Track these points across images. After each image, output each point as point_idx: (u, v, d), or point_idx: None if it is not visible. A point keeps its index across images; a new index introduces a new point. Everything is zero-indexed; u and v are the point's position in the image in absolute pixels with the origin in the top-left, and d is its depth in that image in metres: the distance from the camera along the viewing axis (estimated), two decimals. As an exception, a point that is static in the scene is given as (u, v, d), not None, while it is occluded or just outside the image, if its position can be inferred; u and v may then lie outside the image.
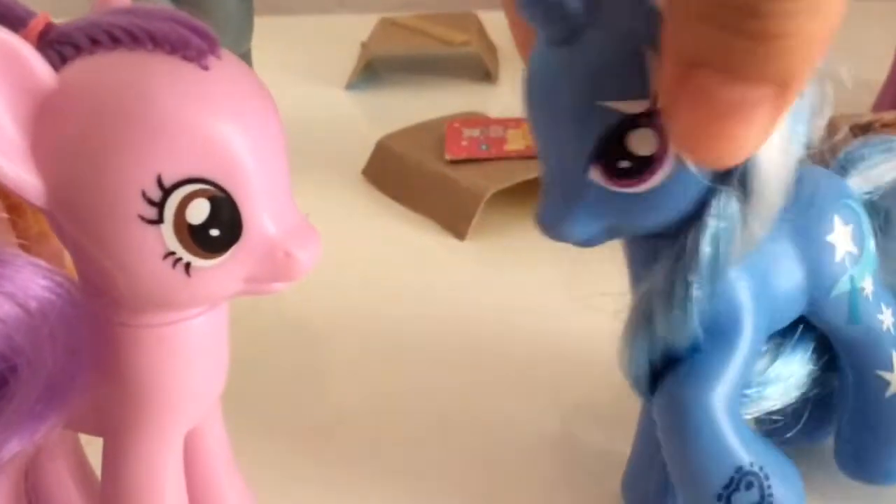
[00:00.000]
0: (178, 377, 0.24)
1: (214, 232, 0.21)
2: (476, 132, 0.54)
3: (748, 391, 0.28)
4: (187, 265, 0.21)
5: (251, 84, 0.22)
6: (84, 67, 0.21)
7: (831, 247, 0.28)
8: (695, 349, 0.27)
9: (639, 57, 0.22)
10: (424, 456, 0.36)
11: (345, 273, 0.48)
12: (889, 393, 0.30)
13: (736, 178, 0.24)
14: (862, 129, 0.47)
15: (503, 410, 0.38)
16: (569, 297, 0.45)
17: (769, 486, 0.27)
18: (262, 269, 0.23)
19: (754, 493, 0.27)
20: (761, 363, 0.28)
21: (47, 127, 0.21)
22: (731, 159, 0.21)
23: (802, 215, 0.27)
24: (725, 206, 0.24)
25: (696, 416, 0.26)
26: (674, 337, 0.26)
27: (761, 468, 0.27)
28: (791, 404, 0.29)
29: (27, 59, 0.20)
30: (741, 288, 0.27)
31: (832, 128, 0.52)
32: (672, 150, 0.23)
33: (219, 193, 0.21)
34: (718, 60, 0.19)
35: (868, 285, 0.29)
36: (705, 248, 0.25)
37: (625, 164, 0.23)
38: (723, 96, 0.19)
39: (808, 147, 0.26)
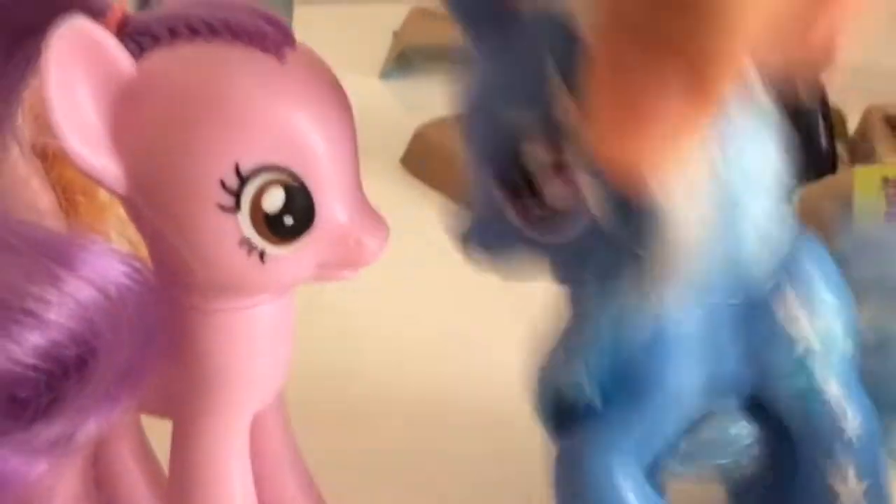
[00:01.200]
0: (246, 361, 0.25)
1: (288, 220, 0.22)
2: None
3: (685, 458, 0.27)
4: (262, 252, 0.22)
5: (325, 75, 0.23)
6: (163, 57, 0.22)
7: (789, 339, 0.26)
8: (595, 402, 0.26)
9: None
10: (439, 441, 0.36)
11: (387, 260, 0.48)
12: (831, 481, 0.27)
13: (628, 231, 0.22)
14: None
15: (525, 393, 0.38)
16: None
17: None
18: (333, 255, 0.23)
19: None
20: (706, 433, 0.27)
21: (128, 116, 0.21)
22: (645, 162, 0.19)
23: (763, 298, 0.26)
24: (635, 265, 0.23)
25: (588, 474, 0.26)
26: (574, 388, 0.26)
27: None
28: (746, 480, 0.28)
29: (108, 49, 0.21)
30: (660, 350, 0.25)
31: (866, 118, 0.52)
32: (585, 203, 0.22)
33: (293, 182, 0.22)
34: (662, 36, 0.17)
35: (832, 388, 0.26)
36: (610, 310, 0.24)
37: (538, 211, 0.23)
38: (648, 78, 0.17)
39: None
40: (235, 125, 0.21)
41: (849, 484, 0.27)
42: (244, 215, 0.21)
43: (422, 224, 0.52)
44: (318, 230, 0.23)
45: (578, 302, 0.25)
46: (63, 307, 0.21)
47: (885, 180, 0.35)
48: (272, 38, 0.22)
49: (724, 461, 0.27)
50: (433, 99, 0.66)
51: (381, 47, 0.73)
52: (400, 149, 0.57)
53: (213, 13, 0.22)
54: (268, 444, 0.28)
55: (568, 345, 0.26)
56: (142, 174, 0.22)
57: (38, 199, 0.41)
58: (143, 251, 0.27)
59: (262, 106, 0.21)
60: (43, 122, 0.40)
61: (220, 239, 0.22)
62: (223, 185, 0.21)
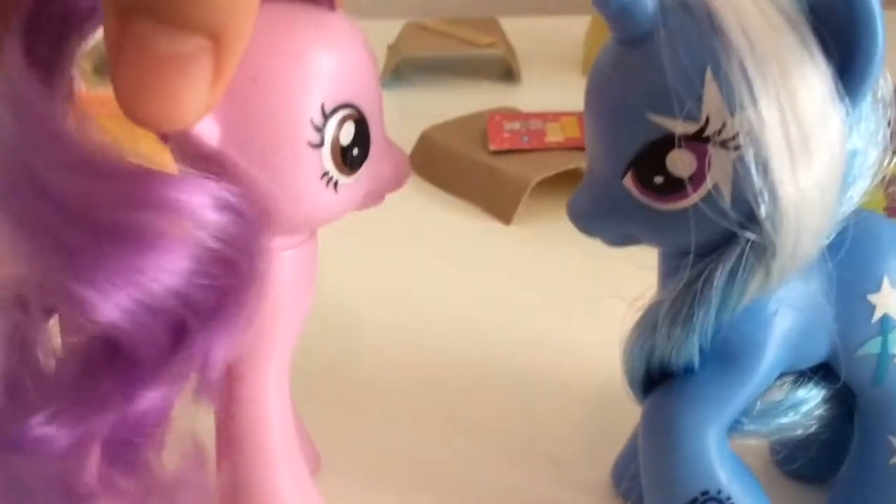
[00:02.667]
0: (294, 300, 0.28)
1: (356, 151, 0.25)
2: (517, 125, 0.57)
3: (754, 419, 0.28)
4: (336, 183, 0.25)
5: (355, 26, 0.26)
6: None
7: (870, 306, 0.27)
8: (690, 369, 0.27)
9: (698, 77, 0.23)
10: (441, 427, 0.37)
11: (397, 255, 0.50)
12: (894, 461, 0.29)
13: (764, 221, 0.24)
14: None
15: (523, 385, 0.40)
16: (599, 284, 0.47)
17: None
18: (376, 182, 0.27)
19: None
20: (777, 394, 0.28)
21: None
22: (176, 120, 0.19)
23: (848, 267, 0.27)
24: (750, 248, 0.24)
25: (681, 432, 0.27)
26: (671, 354, 0.27)
27: (728, 497, 0.27)
28: (799, 440, 0.30)
29: None
30: (766, 324, 0.27)
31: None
32: (709, 179, 0.24)
33: (360, 116, 0.25)
34: (149, 5, 0.18)
35: None
36: (718, 283, 0.25)
37: (659, 179, 0.24)
38: (158, 46, 0.18)
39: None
40: (318, 71, 0.24)
41: None
42: (326, 150, 0.24)
43: (428, 219, 0.54)
44: (372, 159, 0.26)
45: (686, 273, 0.26)
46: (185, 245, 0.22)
47: (883, 178, 0.37)
48: None
49: (790, 420, 0.29)
50: (429, 107, 0.69)
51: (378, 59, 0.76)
52: (405, 150, 0.59)
53: None
54: None
55: (675, 316, 0.26)
56: (235, 127, 0.24)
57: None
58: None
59: (331, 49, 0.24)
60: (82, 113, 0.42)
61: (308, 173, 0.25)
62: (312, 123, 0.24)
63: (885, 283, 0.28)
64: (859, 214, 0.27)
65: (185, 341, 0.22)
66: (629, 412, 0.30)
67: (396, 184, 0.27)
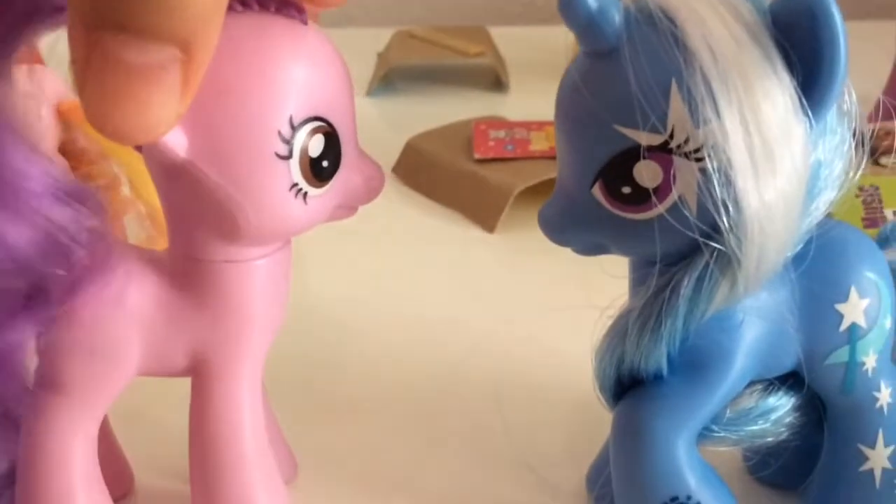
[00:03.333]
0: (270, 305, 0.28)
1: (325, 163, 0.25)
2: (501, 133, 0.58)
3: (724, 426, 0.28)
4: (305, 194, 0.25)
5: (328, 40, 0.26)
6: None
7: (838, 316, 0.28)
8: (659, 377, 0.27)
9: (664, 90, 0.23)
10: (419, 434, 0.38)
11: (382, 263, 0.51)
12: (863, 468, 0.30)
13: (728, 233, 0.24)
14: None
15: (499, 390, 0.40)
16: (579, 292, 0.47)
17: None
18: (348, 194, 0.27)
19: None
20: (747, 401, 0.29)
21: None
22: (146, 132, 0.19)
23: (815, 277, 0.27)
24: (716, 258, 0.25)
25: (651, 438, 0.27)
26: (640, 361, 0.27)
27: (698, 503, 0.27)
28: (770, 447, 0.30)
29: None
30: (735, 332, 0.27)
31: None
32: (674, 190, 0.24)
33: (330, 129, 0.25)
34: (118, 19, 0.18)
35: (871, 361, 0.28)
36: (685, 292, 0.25)
37: (626, 189, 0.25)
38: (128, 58, 0.18)
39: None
40: (287, 83, 0.24)
41: (877, 448, 0.29)
42: (294, 161, 0.25)
43: (412, 227, 0.55)
44: (343, 172, 0.26)
45: (654, 282, 0.26)
46: None
47: (860, 188, 0.36)
48: (295, 6, 0.25)
49: (760, 428, 0.29)
50: (417, 115, 0.69)
51: (366, 68, 0.76)
52: (391, 159, 0.60)
53: None
54: None
55: (644, 324, 0.26)
56: (204, 138, 0.24)
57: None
58: (161, 244, 0.30)
59: (302, 63, 0.25)
60: (69, 122, 0.43)
61: (275, 185, 0.25)
62: (280, 135, 0.24)
63: (853, 292, 0.28)
64: (827, 224, 0.27)
65: None
66: (605, 419, 0.30)
67: (368, 196, 0.28)
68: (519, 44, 0.81)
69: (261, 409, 0.29)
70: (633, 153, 0.24)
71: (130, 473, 0.34)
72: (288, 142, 0.24)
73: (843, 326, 0.28)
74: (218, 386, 0.28)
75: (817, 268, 0.27)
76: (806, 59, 0.24)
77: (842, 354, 0.28)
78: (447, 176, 0.56)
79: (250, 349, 0.28)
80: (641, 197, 0.25)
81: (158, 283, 0.27)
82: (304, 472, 0.35)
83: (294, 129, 0.24)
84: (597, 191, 0.26)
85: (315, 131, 0.25)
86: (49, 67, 0.43)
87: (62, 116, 0.43)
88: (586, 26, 0.24)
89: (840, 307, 0.28)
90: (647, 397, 0.28)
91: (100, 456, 0.29)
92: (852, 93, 0.26)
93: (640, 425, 0.28)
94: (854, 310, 0.28)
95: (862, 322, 0.28)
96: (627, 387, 0.29)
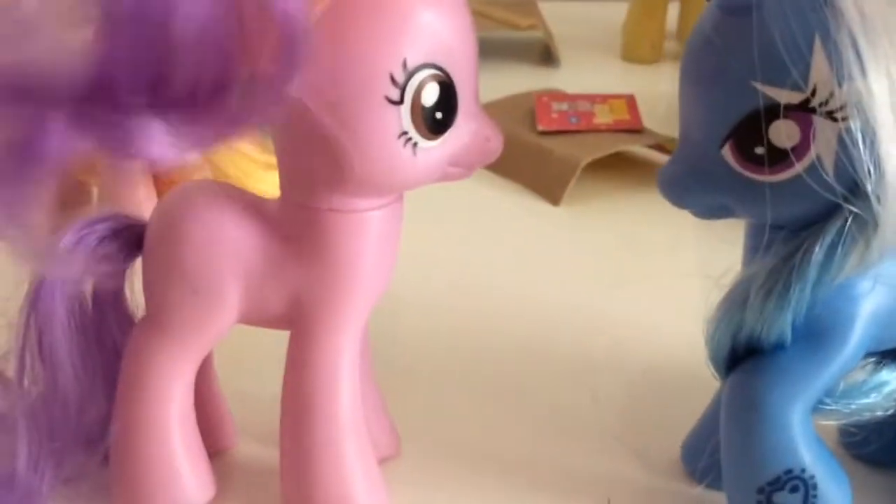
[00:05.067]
0: (376, 261, 0.27)
1: (439, 114, 0.24)
2: (564, 106, 0.57)
3: (836, 399, 0.28)
4: (415, 145, 0.24)
5: None
6: None
7: None
8: (779, 346, 0.27)
9: (807, 47, 0.23)
10: (503, 405, 0.37)
11: (446, 238, 0.50)
12: None
13: (869, 195, 0.23)
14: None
15: (579, 363, 0.39)
16: (648, 263, 0.47)
17: (814, 496, 0.27)
18: (465, 151, 0.26)
19: (797, 498, 0.27)
20: (860, 374, 0.28)
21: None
22: None
23: None
24: (851, 221, 0.24)
25: (767, 410, 0.26)
26: (762, 330, 0.26)
27: (812, 477, 0.27)
28: (876, 423, 0.29)
29: None
30: (856, 302, 0.26)
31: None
32: (812, 150, 0.23)
33: (446, 79, 0.24)
34: None
35: None
36: (817, 257, 0.25)
37: (760, 150, 0.24)
38: None
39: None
40: (404, 25, 0.23)
41: None
42: (406, 108, 0.24)
43: (475, 199, 0.54)
44: (458, 125, 0.25)
45: (782, 248, 0.26)
46: None
47: None
48: None
49: (873, 401, 0.28)
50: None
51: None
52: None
53: None
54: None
55: (769, 291, 0.26)
56: (313, 73, 0.23)
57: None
58: None
59: (423, 10, 0.24)
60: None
61: (384, 130, 0.24)
62: (392, 78, 0.23)
63: None
64: None
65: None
66: (696, 389, 0.30)
67: (485, 157, 0.26)
68: (568, 19, 0.80)
69: (357, 372, 0.28)
70: (770, 112, 0.24)
71: (232, 429, 0.33)
72: (400, 86, 0.23)
73: None
74: (315, 341, 0.27)
75: None
76: None
77: None
78: (510, 148, 0.54)
79: (352, 305, 0.27)
80: (777, 158, 0.24)
81: (263, 229, 0.27)
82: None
83: (408, 73, 0.23)
84: (727, 151, 0.25)
85: (431, 79, 0.24)
86: None
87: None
88: None
89: None
90: (763, 368, 0.27)
91: (203, 406, 0.30)
92: None
93: (755, 397, 0.27)
94: None
95: None
96: (741, 358, 0.28)
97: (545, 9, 0.80)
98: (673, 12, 0.75)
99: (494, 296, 0.44)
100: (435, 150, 0.25)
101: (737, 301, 0.27)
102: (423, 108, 0.24)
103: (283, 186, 0.27)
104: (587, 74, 0.72)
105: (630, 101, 0.57)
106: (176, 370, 0.28)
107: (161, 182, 0.44)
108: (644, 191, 0.50)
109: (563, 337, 0.41)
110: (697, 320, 0.28)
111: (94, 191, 0.47)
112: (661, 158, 0.55)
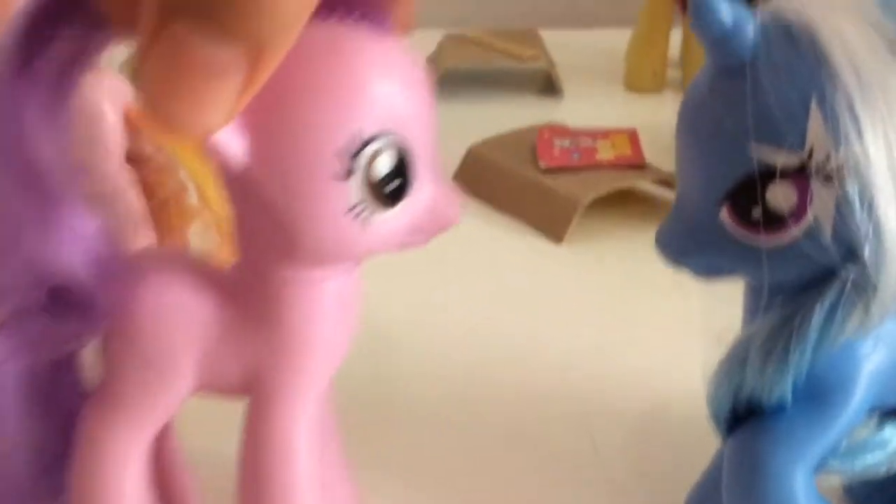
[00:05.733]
0: (331, 331, 0.26)
1: (393, 184, 0.23)
2: (566, 142, 0.56)
3: (840, 458, 0.27)
4: (368, 216, 0.23)
5: (410, 56, 0.24)
6: None
7: None
8: (781, 407, 0.26)
9: (803, 108, 0.23)
10: (501, 453, 0.37)
11: (446, 274, 0.50)
12: None
13: (866, 259, 0.23)
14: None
15: (581, 408, 0.39)
16: (653, 303, 0.47)
17: None
18: (422, 220, 0.25)
19: None
20: (863, 432, 0.28)
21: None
22: (197, 126, 0.19)
23: None
24: (850, 285, 0.24)
25: (770, 472, 0.26)
26: (762, 391, 0.26)
27: None
28: (880, 480, 0.29)
29: None
30: (858, 362, 0.26)
31: None
32: (810, 213, 0.23)
33: (400, 149, 0.23)
34: (198, 11, 0.17)
35: None
36: (817, 320, 0.24)
37: (757, 213, 0.24)
38: (196, 51, 0.18)
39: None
40: (354, 96, 0.22)
41: None
42: (357, 180, 0.23)
43: (477, 237, 0.54)
44: (414, 196, 0.24)
45: (781, 310, 0.25)
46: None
47: None
48: (380, 16, 0.23)
49: (877, 459, 0.28)
50: (473, 120, 0.69)
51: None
52: (450, 166, 0.59)
53: None
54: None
55: (769, 352, 0.26)
56: (262, 146, 0.22)
57: (133, 207, 0.42)
58: (224, 254, 0.28)
59: (375, 78, 0.23)
60: (136, 128, 0.42)
61: (335, 204, 0.23)
62: (342, 152, 0.22)
63: None
64: None
65: None
66: (696, 439, 0.30)
67: (444, 223, 0.25)
68: (570, 48, 0.80)
69: (315, 441, 0.28)
70: (767, 174, 0.23)
71: (193, 499, 0.32)
72: (352, 157, 0.23)
73: None
74: (272, 409, 0.27)
75: None
76: None
77: None
78: (512, 185, 0.55)
79: (308, 374, 0.27)
80: (774, 221, 0.24)
81: (218, 298, 0.26)
82: (372, 482, 0.34)
83: (360, 144, 0.23)
84: (724, 213, 0.24)
85: (384, 148, 0.23)
86: (115, 72, 0.43)
87: (129, 123, 0.42)
88: (720, 41, 0.23)
89: None
90: (765, 430, 0.27)
91: (163, 476, 0.29)
92: None
93: (758, 459, 0.26)
94: None
95: None
96: (742, 417, 0.27)
97: (547, 37, 0.79)
98: (675, 39, 0.75)
99: (494, 337, 0.44)
100: (390, 220, 0.24)
101: (737, 362, 0.26)
102: (377, 178, 0.23)
103: (238, 254, 0.26)
104: (590, 105, 0.72)
105: (632, 135, 0.56)
106: (132, 440, 0.27)
107: (162, 226, 0.44)
108: (647, 227, 0.49)
109: (565, 381, 0.41)
110: (701, 367, 0.28)
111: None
112: (664, 194, 0.54)
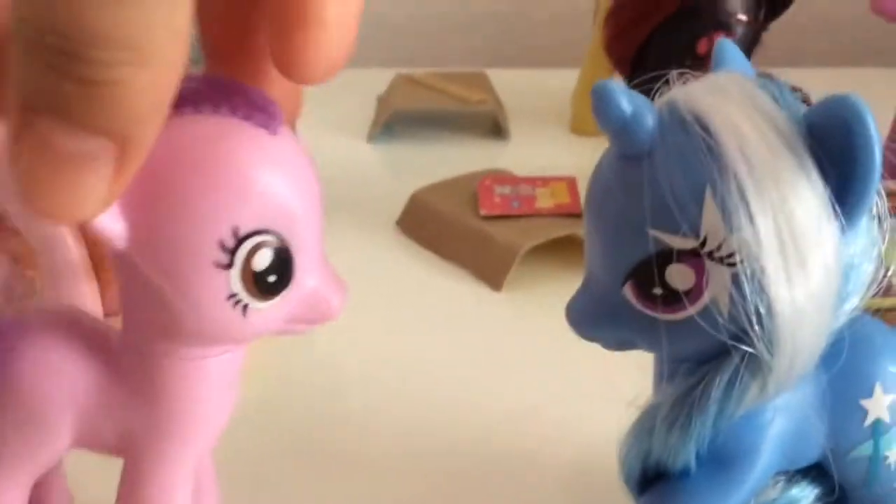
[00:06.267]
0: (207, 405, 0.27)
1: (272, 278, 0.24)
2: (507, 189, 0.57)
3: None
4: (245, 306, 0.24)
5: (303, 151, 0.25)
6: (171, 126, 0.22)
7: (862, 411, 0.28)
8: (685, 472, 0.27)
9: (697, 196, 0.24)
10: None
11: (384, 319, 0.50)
12: None
13: (761, 338, 0.24)
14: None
15: (522, 457, 0.40)
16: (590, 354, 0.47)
17: None
18: (302, 311, 0.26)
19: None
20: (771, 493, 0.29)
21: (135, 178, 0.22)
22: (74, 215, 0.19)
23: (841, 374, 0.28)
24: (747, 360, 0.25)
25: None
26: (668, 457, 0.27)
27: None
28: None
29: None
30: (761, 430, 0.27)
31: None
32: (706, 293, 0.24)
33: (280, 245, 0.24)
34: (55, 106, 0.18)
35: (894, 455, 0.29)
36: (716, 393, 0.25)
37: (658, 291, 0.25)
38: (60, 145, 0.18)
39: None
40: (236, 191, 0.23)
41: None
42: (235, 272, 0.23)
43: (417, 282, 0.54)
44: (295, 288, 0.25)
45: (683, 381, 0.26)
46: None
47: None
48: (265, 113, 0.24)
49: None
50: (419, 163, 0.69)
51: (366, 111, 0.76)
52: (394, 210, 0.60)
53: (214, 91, 0.24)
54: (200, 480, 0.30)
55: (672, 422, 0.26)
56: (143, 232, 0.23)
57: (71, 256, 0.42)
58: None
59: (258, 175, 0.23)
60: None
61: (212, 292, 0.24)
62: (221, 245, 0.23)
63: (878, 388, 0.28)
64: (854, 321, 0.27)
65: None
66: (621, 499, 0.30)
67: (325, 317, 0.26)
68: (518, 88, 0.81)
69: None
70: (665, 256, 0.24)
71: None
72: (230, 252, 0.23)
73: (868, 422, 0.28)
74: (145, 476, 0.28)
75: (844, 365, 0.27)
76: (839, 166, 0.24)
77: (866, 449, 0.29)
78: (453, 232, 0.56)
79: (182, 444, 0.28)
80: (673, 299, 0.25)
81: (100, 363, 0.27)
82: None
83: (238, 240, 0.23)
84: (627, 290, 0.26)
85: (263, 245, 0.24)
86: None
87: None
88: (620, 130, 0.24)
89: (865, 403, 0.28)
90: (673, 491, 0.28)
91: None
92: (884, 197, 0.26)
93: None
94: (878, 405, 0.28)
95: (886, 417, 0.28)
96: (652, 479, 0.28)
97: (496, 76, 0.81)
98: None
99: (427, 384, 0.45)
100: (269, 310, 0.25)
101: (644, 429, 0.27)
102: (254, 272, 0.24)
103: (122, 322, 0.27)
104: (536, 148, 0.73)
105: (570, 183, 0.58)
106: (9, 493, 0.28)
107: (104, 273, 0.44)
108: (584, 275, 0.51)
109: (495, 432, 0.41)
110: (616, 430, 0.29)
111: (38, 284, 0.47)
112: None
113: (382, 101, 0.77)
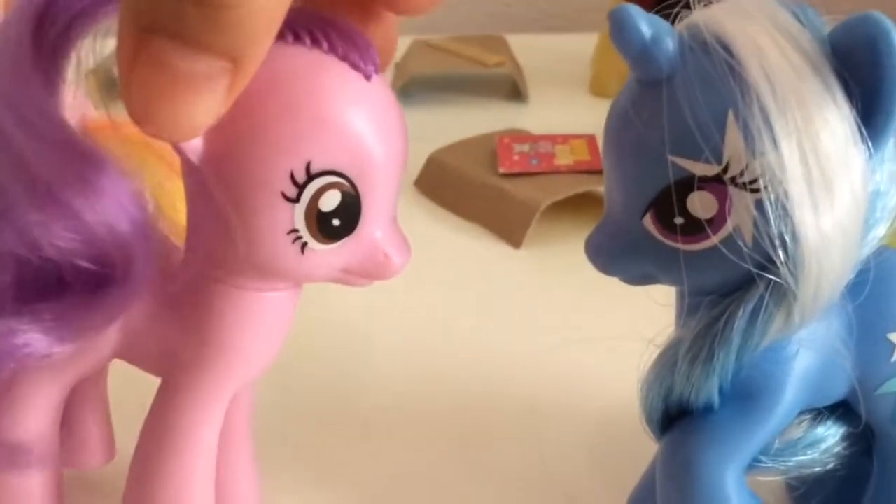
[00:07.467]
0: (251, 341, 0.27)
1: (336, 221, 0.24)
2: (526, 147, 0.57)
3: (772, 457, 0.28)
4: (304, 245, 0.24)
5: (395, 103, 0.25)
6: (270, 49, 0.22)
7: (890, 345, 0.27)
8: (709, 409, 0.27)
9: (720, 120, 0.23)
10: (451, 459, 0.37)
11: (404, 279, 0.50)
12: None
13: (786, 265, 0.24)
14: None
15: (533, 411, 0.40)
16: (611, 308, 0.47)
17: None
18: (361, 263, 0.25)
19: None
20: (796, 431, 0.28)
21: None
22: (187, 133, 0.20)
23: (867, 306, 0.27)
24: (771, 289, 0.24)
25: (700, 471, 0.27)
26: (690, 393, 0.27)
27: None
28: (817, 476, 0.30)
29: None
30: (786, 365, 0.27)
31: None
32: (729, 221, 0.24)
33: (351, 190, 0.24)
34: (172, 27, 0.18)
35: None
36: (739, 324, 0.25)
37: (679, 220, 0.24)
38: (179, 65, 0.19)
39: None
40: (317, 126, 0.23)
41: None
42: (300, 208, 0.23)
43: (436, 241, 0.54)
44: (357, 238, 0.25)
45: (706, 313, 0.26)
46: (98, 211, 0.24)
47: None
48: (363, 56, 0.24)
49: (808, 458, 0.28)
50: (437, 127, 0.69)
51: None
52: (412, 171, 0.59)
53: (318, 25, 0.23)
54: (231, 418, 0.30)
55: (695, 356, 0.26)
56: (220, 150, 0.23)
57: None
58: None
59: (343, 116, 0.23)
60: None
61: (274, 224, 0.23)
62: (292, 177, 0.23)
63: None
64: (881, 254, 0.27)
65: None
66: (643, 445, 0.30)
67: (383, 274, 0.26)
68: (537, 53, 0.81)
69: (215, 439, 0.28)
70: (686, 183, 0.24)
71: (112, 446, 0.34)
72: (299, 186, 0.23)
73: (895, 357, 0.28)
74: (180, 398, 0.27)
75: (870, 297, 0.27)
76: (866, 88, 0.23)
77: (893, 384, 0.28)
78: (471, 190, 0.56)
79: (220, 375, 0.27)
80: (695, 228, 0.24)
81: (160, 278, 0.27)
82: (329, 487, 0.35)
83: (309, 175, 0.23)
84: (648, 221, 0.25)
85: (333, 186, 0.23)
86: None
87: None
88: (640, 55, 0.24)
89: (893, 337, 0.27)
90: (696, 429, 0.27)
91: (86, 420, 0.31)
92: None
93: (688, 457, 0.27)
94: None
95: None
96: (675, 418, 0.28)
97: (514, 41, 0.80)
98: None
99: (450, 340, 0.45)
100: (326, 254, 0.24)
101: (666, 365, 0.27)
102: (320, 212, 0.23)
103: (185, 246, 0.27)
104: (555, 110, 0.72)
105: (591, 141, 0.57)
106: (43, 392, 0.28)
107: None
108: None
109: (517, 387, 0.41)
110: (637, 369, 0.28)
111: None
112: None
113: (399, 66, 0.76)
